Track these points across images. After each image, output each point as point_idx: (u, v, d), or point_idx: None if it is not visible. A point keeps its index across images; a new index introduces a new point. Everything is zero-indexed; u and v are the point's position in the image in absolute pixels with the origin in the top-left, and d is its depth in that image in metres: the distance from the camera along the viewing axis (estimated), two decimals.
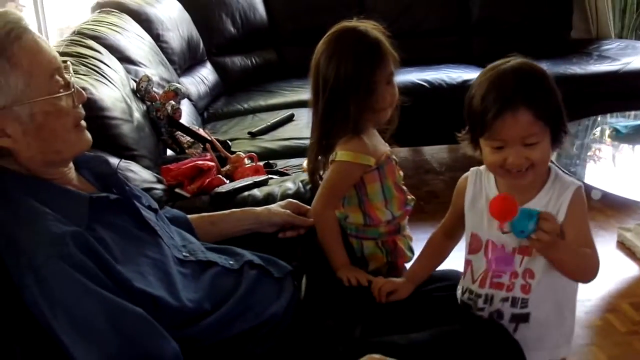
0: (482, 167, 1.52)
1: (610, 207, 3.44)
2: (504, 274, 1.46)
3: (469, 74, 3.92)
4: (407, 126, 3.94)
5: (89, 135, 1.34)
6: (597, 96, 3.79)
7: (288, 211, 1.82)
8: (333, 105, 1.71)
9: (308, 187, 2.10)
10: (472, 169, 1.55)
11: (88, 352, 1.12)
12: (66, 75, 1.29)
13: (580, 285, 2.73)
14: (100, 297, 1.15)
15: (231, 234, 1.74)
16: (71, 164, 1.35)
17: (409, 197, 1.87)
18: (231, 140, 2.88)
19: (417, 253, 1.78)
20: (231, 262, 1.49)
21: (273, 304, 1.46)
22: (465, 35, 4.55)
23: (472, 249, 1.51)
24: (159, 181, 2.14)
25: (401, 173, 1.87)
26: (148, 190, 1.95)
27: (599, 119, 3.20)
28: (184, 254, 1.43)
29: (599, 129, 3.11)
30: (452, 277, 1.68)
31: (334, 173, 1.75)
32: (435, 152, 4.48)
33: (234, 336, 1.37)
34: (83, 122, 1.32)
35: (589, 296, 2.68)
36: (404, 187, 1.87)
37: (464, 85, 3.82)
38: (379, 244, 1.83)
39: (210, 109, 3.69)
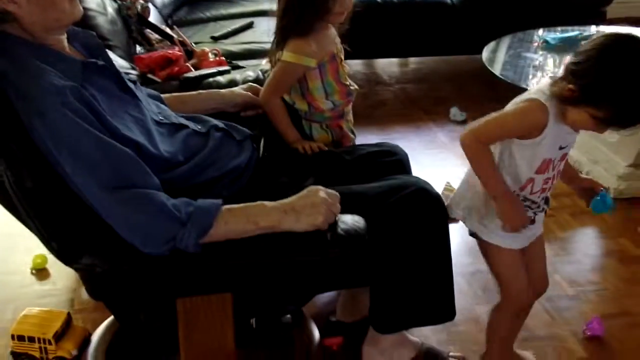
0: (548, 99, 1.54)
1: None
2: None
3: None
4: (358, 39, 4.18)
5: (80, 7, 1.55)
6: (535, 15, 4.05)
7: (249, 93, 2.08)
8: (297, 6, 1.92)
9: (266, 74, 2.35)
10: (545, 103, 1.53)
11: (87, 178, 1.39)
12: None
13: None
14: (96, 136, 1.39)
15: (199, 112, 1.94)
16: (65, 34, 1.58)
17: (351, 87, 2.13)
18: (195, 43, 3.08)
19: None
20: (199, 127, 1.76)
21: (235, 158, 1.74)
22: None
23: (540, 170, 1.64)
24: (133, 68, 2.37)
25: (346, 69, 2.13)
26: None
27: (533, 31, 3.50)
28: (160, 117, 1.69)
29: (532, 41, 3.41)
30: (397, 152, 1.99)
31: (279, 70, 2.01)
32: (385, 66, 4.73)
33: (204, 182, 1.64)
34: None
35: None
36: (348, 81, 2.12)
37: (413, 1, 4.09)
38: (323, 127, 2.12)
39: (174, 16, 3.85)
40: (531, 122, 1.56)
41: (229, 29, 3.38)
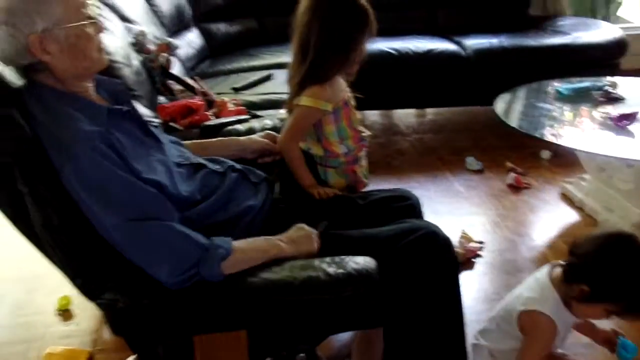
0: (552, 305, 1.76)
1: (556, 165, 3.85)
2: None
3: (434, 44, 4.31)
4: (376, 90, 4.30)
5: (106, 57, 1.67)
6: (550, 66, 4.14)
7: (266, 140, 2.15)
8: (322, 58, 2.01)
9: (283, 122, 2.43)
10: (551, 313, 1.75)
11: (114, 217, 1.46)
12: (89, 10, 1.61)
13: (527, 229, 3.15)
14: (123, 178, 1.48)
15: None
16: (92, 82, 1.67)
17: (363, 133, 2.20)
18: (217, 94, 3.19)
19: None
20: (217, 167, 1.83)
21: (251, 199, 1.81)
22: (431, 8, 4.87)
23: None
24: (156, 117, 2.47)
25: (358, 116, 2.21)
26: None
27: (547, 82, 3.57)
28: (180, 159, 1.77)
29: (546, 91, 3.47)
30: (409, 197, 2.04)
31: (298, 115, 2.09)
32: (403, 116, 4.83)
33: (220, 222, 1.70)
34: (102, 46, 1.65)
35: (534, 237, 3.10)
36: (360, 127, 2.20)
37: (429, 54, 4.21)
38: (339, 172, 2.18)
39: (197, 69, 3.99)
40: (549, 339, 1.77)
41: (249, 81, 3.49)
